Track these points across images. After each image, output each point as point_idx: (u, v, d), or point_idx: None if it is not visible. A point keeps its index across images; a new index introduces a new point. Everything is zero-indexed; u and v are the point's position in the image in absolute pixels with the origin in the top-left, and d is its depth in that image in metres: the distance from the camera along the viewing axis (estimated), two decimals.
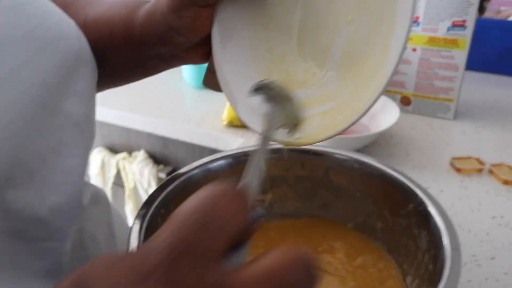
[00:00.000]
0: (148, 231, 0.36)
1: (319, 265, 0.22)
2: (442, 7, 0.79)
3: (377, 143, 0.75)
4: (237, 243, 0.22)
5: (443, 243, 0.35)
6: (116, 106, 0.96)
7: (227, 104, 0.86)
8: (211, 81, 0.39)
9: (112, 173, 1.07)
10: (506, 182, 0.63)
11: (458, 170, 0.66)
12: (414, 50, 0.84)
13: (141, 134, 1.01)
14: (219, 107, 0.92)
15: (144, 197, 1.04)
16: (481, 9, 1.00)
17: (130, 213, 1.09)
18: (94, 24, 0.42)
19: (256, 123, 0.35)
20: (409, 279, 0.41)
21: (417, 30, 0.83)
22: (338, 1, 0.36)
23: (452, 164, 0.68)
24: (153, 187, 1.00)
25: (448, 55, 0.82)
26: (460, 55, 0.81)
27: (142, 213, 0.37)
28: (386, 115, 0.76)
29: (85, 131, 0.36)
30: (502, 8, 1.21)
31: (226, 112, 0.85)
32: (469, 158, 0.69)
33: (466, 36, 0.79)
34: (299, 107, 0.35)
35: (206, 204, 0.20)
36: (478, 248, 0.51)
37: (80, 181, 0.37)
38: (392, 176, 0.43)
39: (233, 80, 0.37)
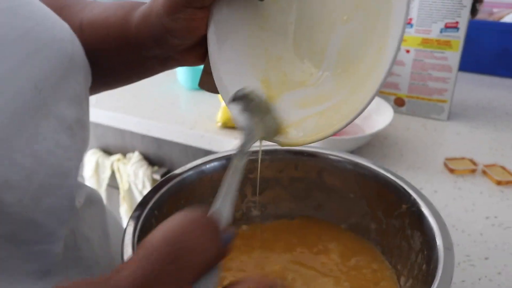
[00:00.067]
0: (142, 232, 0.36)
1: (224, 229, 0.22)
2: (435, 9, 0.80)
3: (371, 144, 0.76)
4: (210, 266, 0.22)
5: (436, 244, 0.35)
6: (111, 107, 0.96)
7: (221, 106, 0.86)
8: (207, 83, 0.39)
9: (106, 175, 1.07)
10: (499, 183, 0.64)
11: (452, 170, 0.67)
12: (408, 51, 0.85)
13: (135, 135, 1.01)
14: (213, 108, 0.92)
15: (139, 198, 1.03)
16: (474, 11, 1.00)
17: (124, 214, 1.09)
18: (90, 26, 0.42)
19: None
20: (403, 279, 0.41)
21: (410, 32, 0.83)
22: (333, 1, 0.36)
23: (445, 165, 0.68)
24: (147, 189, 1.00)
25: (442, 56, 0.82)
26: (453, 57, 0.81)
27: (136, 214, 0.37)
28: (380, 116, 0.76)
29: (76, 135, 0.35)
30: (495, 10, 1.22)
31: (220, 114, 0.85)
32: (463, 158, 0.70)
33: (459, 37, 0.80)
34: (277, 119, 0.35)
35: (177, 235, 0.20)
36: (472, 248, 0.52)
37: (74, 183, 0.36)
38: (385, 177, 0.43)
39: (229, 81, 0.37)
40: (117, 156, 1.05)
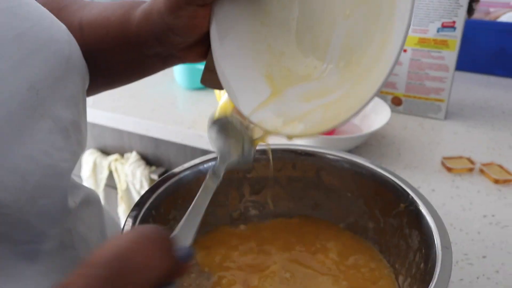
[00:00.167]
0: None
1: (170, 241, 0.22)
2: (432, 8, 0.80)
3: (368, 143, 0.76)
4: (163, 283, 0.22)
5: (434, 243, 0.35)
6: (108, 108, 0.96)
7: (219, 105, 0.86)
8: (209, 80, 0.39)
9: (104, 175, 1.07)
10: (496, 181, 0.64)
11: (449, 169, 0.67)
12: (405, 51, 0.85)
13: (133, 135, 1.00)
14: (211, 108, 0.92)
15: (137, 198, 1.03)
16: (470, 10, 1.00)
17: (122, 214, 1.09)
18: (90, 25, 0.42)
19: (259, 117, 0.35)
20: (401, 278, 0.41)
21: None
22: None
23: (443, 164, 0.68)
24: (145, 189, 1.00)
25: (438, 55, 0.82)
26: (450, 56, 0.81)
27: (133, 214, 0.37)
28: (377, 115, 0.76)
29: (71, 137, 0.35)
30: (491, 9, 1.22)
31: (217, 113, 0.85)
32: (460, 157, 0.70)
33: (455, 37, 0.80)
34: (254, 146, 0.36)
35: (127, 251, 0.20)
36: (470, 247, 0.52)
37: (68, 185, 0.36)
38: (383, 176, 0.44)
39: (233, 77, 0.37)
40: (115, 156, 1.05)
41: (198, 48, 0.38)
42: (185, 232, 0.27)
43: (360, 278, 0.42)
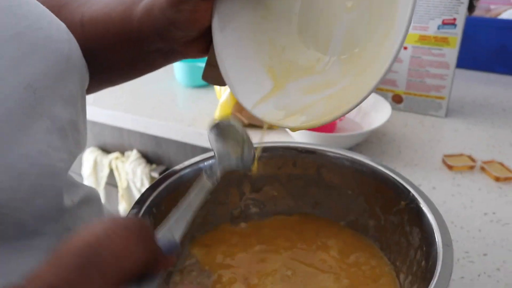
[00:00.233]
0: None
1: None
2: (433, 5, 0.80)
3: (369, 141, 0.76)
4: (144, 275, 0.21)
5: (435, 240, 0.35)
6: (108, 106, 0.96)
7: (219, 103, 0.86)
8: (210, 75, 0.39)
9: (105, 173, 1.07)
10: (497, 179, 0.64)
11: (450, 167, 0.67)
12: (405, 48, 0.85)
13: (133, 133, 1.00)
14: (211, 106, 0.92)
15: (137, 196, 1.03)
16: (471, 7, 1.00)
17: (123, 212, 1.09)
18: (91, 22, 0.42)
19: (261, 111, 0.35)
20: (402, 276, 0.41)
21: None
22: None
23: (444, 161, 0.68)
24: (146, 187, 1.00)
25: (439, 53, 0.82)
26: (451, 53, 0.81)
27: (134, 212, 0.37)
28: (378, 113, 0.76)
29: (69, 137, 0.35)
30: (492, 6, 1.22)
31: (218, 111, 0.85)
32: (461, 155, 0.70)
33: (456, 34, 0.79)
34: (253, 150, 0.36)
35: (99, 238, 0.19)
36: (471, 245, 0.52)
37: (64, 184, 0.36)
38: (383, 174, 0.43)
39: (235, 71, 0.37)
40: (115, 154, 1.05)
41: (200, 43, 0.38)
42: (174, 226, 0.26)
43: (361, 276, 0.42)
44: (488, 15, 1.19)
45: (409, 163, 0.69)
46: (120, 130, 1.02)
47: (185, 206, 0.28)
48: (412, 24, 0.82)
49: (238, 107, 0.76)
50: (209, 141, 0.36)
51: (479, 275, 0.47)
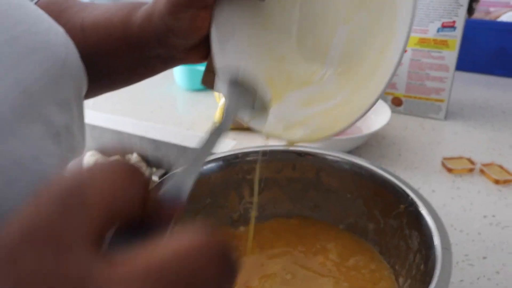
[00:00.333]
0: None
1: (235, 253, 0.16)
2: (432, 8, 0.80)
3: (369, 144, 0.76)
4: (135, 228, 0.17)
5: (434, 244, 0.35)
6: (108, 109, 0.96)
7: (219, 107, 0.86)
8: (209, 81, 0.40)
9: None
10: (497, 182, 0.64)
11: (450, 170, 0.67)
12: (405, 51, 0.85)
13: (133, 137, 1.00)
14: (211, 109, 0.92)
15: None
16: (470, 10, 1.00)
17: None
18: (91, 27, 0.42)
19: (258, 121, 0.35)
20: (401, 279, 0.41)
21: None
22: (335, 2, 0.36)
23: (443, 164, 0.68)
24: None
25: (439, 56, 0.82)
26: (450, 56, 0.81)
27: None
28: (377, 116, 0.76)
29: (63, 142, 0.35)
30: (491, 9, 1.22)
31: (217, 115, 0.85)
32: (461, 158, 0.70)
33: (456, 37, 0.80)
34: (265, 98, 0.33)
35: (81, 180, 0.16)
36: (470, 248, 0.52)
37: None
38: (382, 177, 0.43)
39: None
40: (116, 158, 1.05)
41: (199, 50, 0.38)
42: (182, 178, 0.24)
43: (361, 280, 0.42)
44: (487, 18, 1.19)
45: (409, 166, 0.69)
46: (120, 133, 1.02)
47: (194, 158, 0.26)
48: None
49: None
50: (218, 88, 0.35)
51: (478, 278, 0.47)
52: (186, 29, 0.35)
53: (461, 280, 0.47)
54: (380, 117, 0.75)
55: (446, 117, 0.86)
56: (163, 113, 0.94)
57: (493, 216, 0.57)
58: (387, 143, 0.76)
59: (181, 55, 0.39)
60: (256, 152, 0.48)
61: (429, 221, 0.37)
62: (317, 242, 0.47)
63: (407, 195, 0.41)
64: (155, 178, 0.98)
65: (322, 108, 0.34)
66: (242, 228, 0.50)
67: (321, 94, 0.35)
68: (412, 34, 0.83)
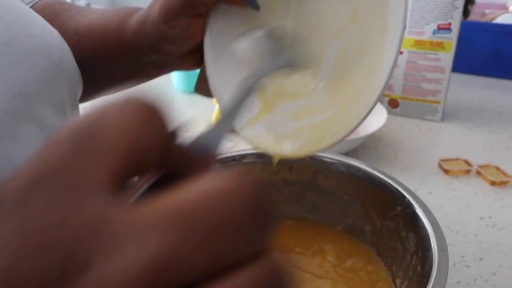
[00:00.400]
0: None
1: (274, 201, 0.14)
2: (428, 10, 0.80)
3: (365, 146, 0.76)
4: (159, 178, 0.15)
5: (431, 245, 0.35)
6: None
7: (216, 109, 0.86)
8: (202, 88, 0.40)
9: None
10: (493, 183, 0.64)
11: (446, 171, 0.67)
12: (401, 53, 0.85)
13: None
14: (208, 112, 0.92)
15: None
16: (466, 12, 1.01)
17: None
18: (86, 32, 0.42)
19: (248, 133, 0.35)
20: (398, 281, 0.41)
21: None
22: (329, 15, 0.36)
23: (440, 166, 0.69)
24: None
25: (435, 57, 0.82)
26: (446, 58, 0.82)
27: None
28: (374, 117, 0.76)
29: None
30: (487, 11, 1.23)
31: (214, 117, 0.85)
32: (457, 159, 0.70)
33: (451, 39, 0.80)
34: (308, 52, 0.32)
35: (96, 119, 0.14)
36: (467, 249, 0.52)
37: None
38: (379, 179, 0.44)
39: (224, 90, 0.37)
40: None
41: (193, 57, 0.38)
42: (211, 133, 0.21)
43: (358, 281, 0.42)
44: (483, 20, 1.20)
45: (405, 168, 0.69)
46: None
47: (225, 114, 0.24)
48: (407, 29, 0.83)
49: None
50: (247, 44, 0.33)
51: (475, 280, 0.47)
52: (179, 36, 0.35)
53: (458, 282, 0.47)
54: (377, 119, 0.75)
55: (442, 119, 0.87)
56: None
57: (490, 217, 0.57)
58: (383, 145, 0.77)
59: (175, 61, 0.39)
60: (253, 154, 0.48)
61: (426, 223, 0.37)
62: (315, 243, 0.47)
63: (404, 197, 0.41)
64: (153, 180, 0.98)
65: (311, 122, 0.35)
66: None
67: (311, 108, 0.36)
68: (408, 36, 0.83)
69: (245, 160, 0.48)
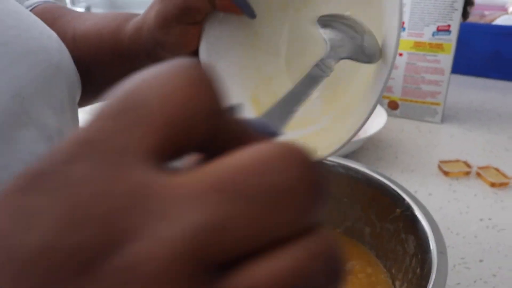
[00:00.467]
0: None
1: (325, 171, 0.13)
2: (427, 12, 0.80)
3: (365, 148, 0.76)
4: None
5: (430, 247, 0.35)
6: None
7: None
8: None
9: None
10: (493, 185, 0.64)
11: (446, 173, 0.67)
12: (401, 55, 0.85)
13: None
14: None
15: None
16: (465, 14, 1.01)
17: None
18: (83, 37, 0.42)
19: None
20: (397, 283, 0.41)
21: (403, 35, 0.83)
22: None
23: (440, 168, 0.69)
24: None
25: (434, 59, 0.83)
26: (446, 59, 0.82)
27: None
28: (374, 119, 0.76)
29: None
30: (486, 12, 1.23)
31: None
32: (457, 161, 0.70)
33: (451, 40, 0.80)
34: (375, 40, 0.30)
35: (134, 86, 0.13)
36: (467, 251, 0.52)
37: None
38: (379, 181, 0.44)
39: None
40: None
41: None
42: (274, 114, 0.20)
43: (358, 284, 0.42)
44: (482, 21, 1.20)
45: (405, 170, 0.69)
46: None
47: (290, 96, 0.23)
48: (407, 31, 0.83)
49: None
50: (317, 28, 0.31)
51: (475, 281, 0.47)
52: (175, 43, 0.35)
53: (458, 283, 0.47)
54: (377, 120, 0.75)
55: (442, 120, 0.87)
56: None
57: (490, 219, 0.57)
58: (383, 146, 0.77)
59: None
60: None
61: (425, 225, 0.37)
62: None
63: (403, 199, 0.41)
64: None
65: (304, 133, 0.35)
66: None
67: (305, 118, 0.36)
68: (408, 38, 0.83)
69: None
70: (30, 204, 0.11)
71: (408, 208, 0.40)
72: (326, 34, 0.29)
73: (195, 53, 0.37)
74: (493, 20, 1.17)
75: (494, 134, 0.81)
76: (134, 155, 0.12)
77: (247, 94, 0.37)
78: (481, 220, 0.57)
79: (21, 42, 0.31)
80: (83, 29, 0.42)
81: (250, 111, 0.37)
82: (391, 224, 0.43)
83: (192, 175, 0.11)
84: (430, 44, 0.82)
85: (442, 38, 0.81)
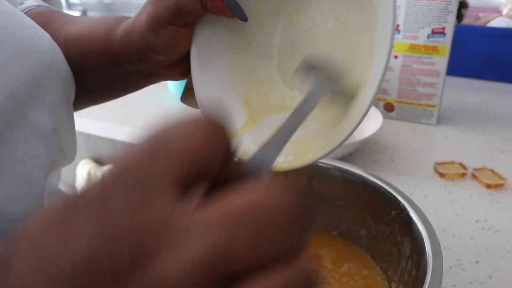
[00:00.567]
0: None
1: (311, 209, 0.16)
2: (422, 14, 0.81)
3: (361, 150, 0.76)
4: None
5: (425, 249, 0.35)
6: (102, 118, 0.96)
7: None
8: (189, 98, 0.39)
9: None
10: (488, 186, 0.64)
11: (442, 175, 0.67)
12: (396, 57, 0.86)
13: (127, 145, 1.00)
14: None
15: None
16: (460, 16, 1.01)
17: None
18: (75, 41, 0.42)
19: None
20: (393, 285, 0.41)
21: (398, 38, 0.84)
22: (316, 31, 0.36)
23: (435, 169, 0.69)
24: None
25: (429, 61, 0.83)
26: (441, 62, 0.82)
27: None
28: (369, 122, 0.77)
29: (52, 144, 0.35)
30: (481, 14, 1.23)
31: None
32: (453, 163, 0.70)
33: (445, 43, 0.80)
34: (354, 85, 0.31)
35: (162, 131, 0.16)
36: (463, 252, 0.52)
37: (43, 193, 0.36)
38: (374, 184, 0.44)
39: (210, 101, 0.37)
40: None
41: (180, 67, 0.38)
42: (268, 147, 0.22)
43: (354, 286, 0.42)
44: (477, 23, 1.21)
45: (401, 172, 0.69)
46: (114, 142, 1.02)
47: (279, 132, 0.24)
48: (402, 33, 0.83)
49: None
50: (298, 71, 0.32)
51: (471, 283, 0.47)
52: (166, 46, 0.35)
53: (454, 285, 0.47)
54: (372, 123, 0.75)
55: (437, 122, 0.87)
56: (157, 121, 0.94)
57: (485, 220, 0.57)
58: (379, 149, 0.77)
59: (161, 71, 0.39)
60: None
61: (420, 227, 0.37)
62: (311, 248, 0.47)
63: (399, 202, 0.41)
64: None
65: (295, 136, 0.34)
66: None
67: None
68: (403, 40, 0.84)
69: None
70: (75, 224, 0.13)
71: (404, 210, 0.40)
72: (310, 73, 0.31)
73: (186, 55, 0.37)
74: (487, 22, 1.18)
75: (490, 136, 0.82)
76: (161, 187, 0.14)
77: (238, 97, 0.37)
78: (476, 221, 0.57)
79: (14, 42, 0.32)
80: (74, 33, 0.42)
81: (241, 114, 0.36)
82: (386, 226, 0.43)
83: (207, 209, 0.14)
84: (425, 47, 0.82)
85: (437, 41, 0.81)
